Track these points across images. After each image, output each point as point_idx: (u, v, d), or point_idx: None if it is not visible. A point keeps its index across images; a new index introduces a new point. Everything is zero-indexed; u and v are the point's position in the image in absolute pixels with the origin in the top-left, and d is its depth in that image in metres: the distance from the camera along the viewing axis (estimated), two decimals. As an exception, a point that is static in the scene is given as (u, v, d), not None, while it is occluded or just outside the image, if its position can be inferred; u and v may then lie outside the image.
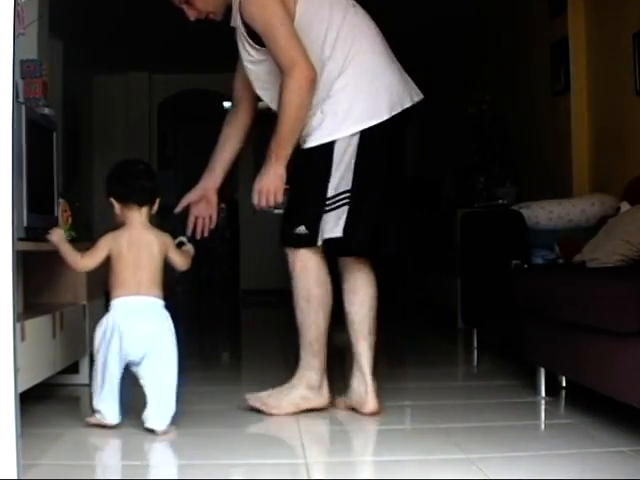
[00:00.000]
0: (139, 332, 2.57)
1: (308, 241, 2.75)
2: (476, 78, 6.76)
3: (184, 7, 2.81)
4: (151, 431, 2.53)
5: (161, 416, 2.55)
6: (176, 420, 2.76)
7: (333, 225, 2.72)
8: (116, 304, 2.61)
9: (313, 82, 2.62)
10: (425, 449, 2.37)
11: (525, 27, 5.69)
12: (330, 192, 2.73)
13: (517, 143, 5.77)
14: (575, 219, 4.12)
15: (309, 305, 2.80)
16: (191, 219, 3.00)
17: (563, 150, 4.95)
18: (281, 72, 2.64)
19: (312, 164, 2.75)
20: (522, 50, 5.75)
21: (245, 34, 2.75)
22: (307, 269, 2.78)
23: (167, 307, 2.68)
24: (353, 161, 2.72)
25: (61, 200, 3.46)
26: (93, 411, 2.67)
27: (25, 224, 2.85)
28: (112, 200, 2.67)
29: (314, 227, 2.73)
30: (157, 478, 2.18)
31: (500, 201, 5.40)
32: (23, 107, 2.91)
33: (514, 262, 3.74)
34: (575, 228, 4.09)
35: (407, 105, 2.80)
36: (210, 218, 3.04)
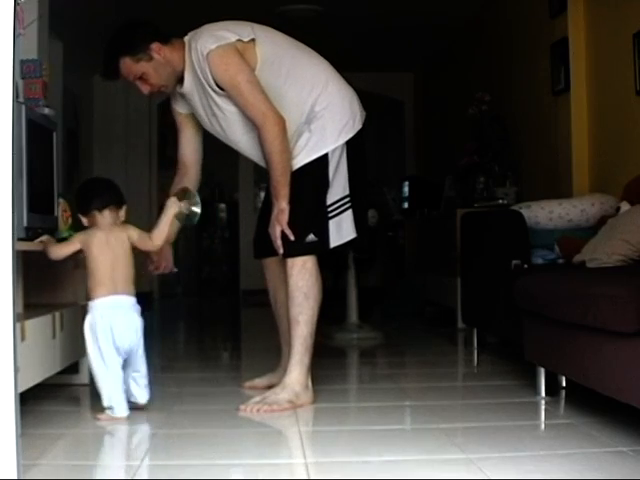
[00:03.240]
0: (127, 326, 2.81)
1: (321, 247, 3.02)
2: (476, 78, 6.76)
3: (137, 83, 3.04)
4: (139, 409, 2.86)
5: (146, 393, 2.91)
6: (176, 420, 2.77)
7: (347, 228, 3.03)
8: (96, 304, 2.80)
9: (284, 127, 2.94)
10: (425, 449, 2.37)
11: (525, 27, 5.69)
12: (330, 199, 3.01)
13: (517, 143, 5.77)
14: (575, 219, 4.12)
15: (307, 302, 2.99)
16: (159, 265, 3.24)
17: (563, 150, 4.95)
18: (254, 125, 2.96)
19: (311, 177, 3.00)
20: (522, 50, 5.75)
21: (215, 87, 2.97)
22: (306, 268, 3.00)
23: (139, 303, 2.89)
24: (345, 168, 3.03)
25: (61, 200, 3.46)
26: (103, 409, 2.77)
27: (25, 224, 2.86)
28: (80, 216, 2.93)
29: (323, 233, 3.00)
30: (157, 478, 2.17)
31: (500, 201, 5.40)
32: (23, 107, 2.92)
33: (514, 262, 3.74)
34: (575, 228, 4.09)
35: (364, 115, 3.14)
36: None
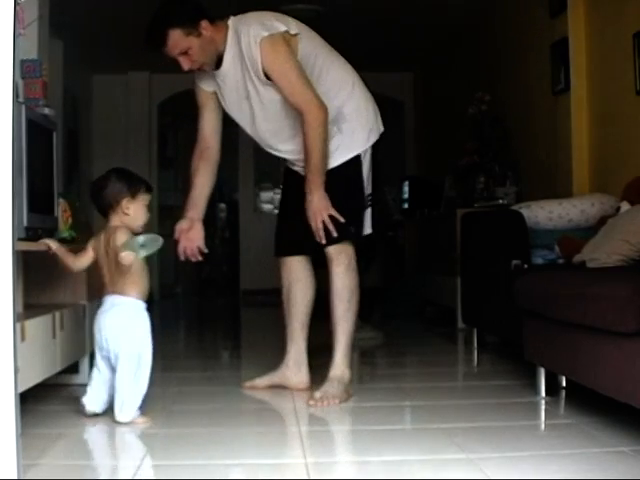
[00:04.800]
0: (106, 325, 2.73)
1: (356, 236, 3.18)
2: (476, 78, 6.76)
3: (180, 58, 3.02)
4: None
5: (120, 413, 2.69)
6: (176, 420, 2.77)
7: (367, 223, 3.20)
8: (101, 304, 2.79)
9: (327, 116, 3.00)
10: (425, 449, 2.37)
11: (525, 27, 5.69)
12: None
13: (517, 143, 5.77)
14: (575, 219, 4.12)
15: (353, 300, 3.21)
16: (180, 248, 3.17)
17: (563, 150, 4.95)
18: (298, 112, 3.00)
19: (345, 176, 3.12)
20: (522, 50, 5.75)
21: (262, 73, 3.01)
22: (351, 268, 3.18)
23: (147, 307, 2.80)
24: (370, 168, 3.18)
25: (61, 200, 3.46)
26: None
27: (25, 224, 2.86)
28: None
29: (360, 226, 3.18)
30: (157, 478, 2.17)
31: (500, 201, 5.40)
32: (23, 107, 2.92)
33: (514, 262, 3.74)
34: (575, 228, 4.09)
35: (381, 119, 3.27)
36: (199, 247, 3.21)
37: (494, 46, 6.43)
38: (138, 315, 2.76)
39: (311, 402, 2.98)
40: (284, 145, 3.20)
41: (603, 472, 2.08)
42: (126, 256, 2.64)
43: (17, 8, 2.01)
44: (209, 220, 10.21)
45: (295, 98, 2.99)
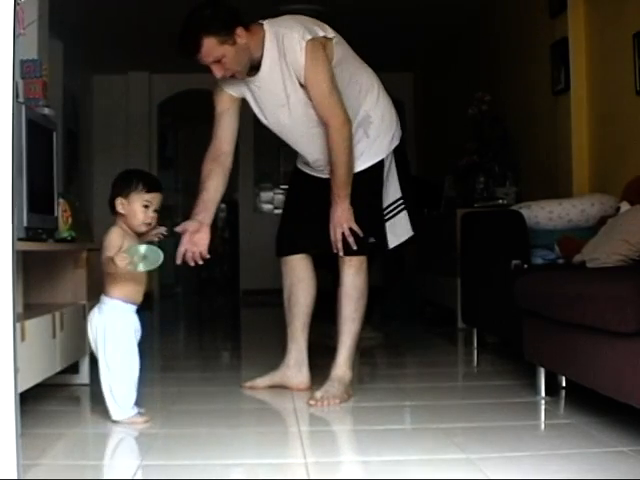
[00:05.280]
0: (89, 326, 2.77)
1: (380, 247, 3.22)
2: (476, 78, 6.76)
3: (213, 66, 2.93)
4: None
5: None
6: (176, 420, 2.77)
7: (404, 228, 3.21)
8: None
9: (351, 131, 3.02)
10: (425, 449, 2.37)
11: (525, 27, 5.69)
12: (385, 203, 3.18)
13: (517, 143, 5.77)
14: (575, 219, 4.12)
15: (362, 301, 3.19)
16: (181, 249, 3.00)
17: (563, 150, 4.95)
18: (323, 123, 3.00)
19: (368, 181, 3.12)
20: (522, 50, 5.75)
21: (302, 78, 2.97)
22: (362, 270, 3.18)
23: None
24: (395, 172, 3.19)
25: (61, 200, 3.46)
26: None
27: (25, 224, 2.86)
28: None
29: (381, 235, 3.18)
30: (157, 478, 2.17)
31: (500, 201, 5.40)
32: (23, 107, 2.91)
33: (514, 262, 3.74)
34: (575, 228, 4.09)
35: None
36: (201, 253, 3.05)
37: (494, 46, 6.43)
38: (116, 316, 2.73)
39: (311, 402, 2.98)
40: (317, 153, 3.17)
41: (603, 472, 2.08)
42: (120, 261, 2.60)
43: (17, 8, 2.01)
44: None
45: (323, 109, 2.98)
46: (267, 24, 3.03)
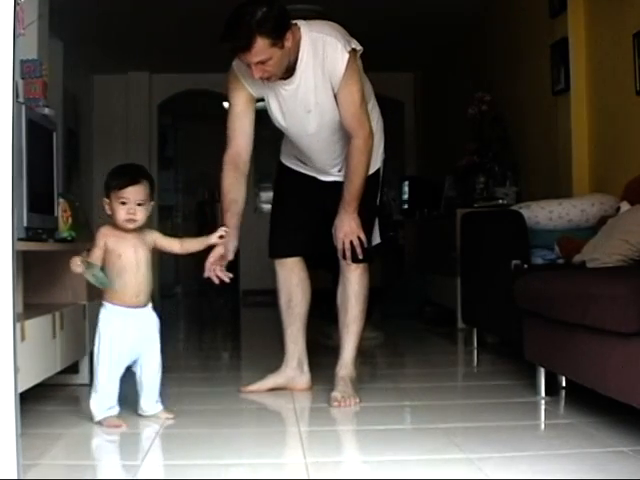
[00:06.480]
0: None
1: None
2: (476, 78, 6.76)
3: (254, 66, 2.81)
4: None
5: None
6: (177, 420, 2.76)
7: (376, 233, 3.30)
8: None
9: (373, 145, 3.07)
10: (425, 449, 2.37)
11: (525, 27, 5.69)
12: None
13: (517, 143, 5.77)
14: (575, 219, 4.11)
15: (365, 303, 3.27)
16: (206, 275, 3.22)
17: (563, 150, 4.95)
18: (349, 133, 3.00)
19: (370, 189, 3.14)
20: (522, 50, 5.75)
21: (334, 85, 2.94)
22: (366, 273, 3.25)
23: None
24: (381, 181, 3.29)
25: (61, 200, 3.46)
26: None
27: (25, 224, 2.86)
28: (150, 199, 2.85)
29: (374, 239, 3.29)
30: (157, 478, 2.17)
31: (500, 201, 5.40)
32: (23, 107, 2.92)
33: (514, 262, 3.74)
34: (575, 228, 4.09)
35: None
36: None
37: (494, 46, 6.43)
38: (101, 318, 2.78)
39: (335, 403, 2.97)
40: (329, 159, 3.18)
41: (603, 472, 2.09)
42: (73, 264, 2.61)
43: (17, 8, 2.01)
44: (209, 220, 10.24)
45: (352, 120, 2.97)
46: (304, 27, 2.93)
